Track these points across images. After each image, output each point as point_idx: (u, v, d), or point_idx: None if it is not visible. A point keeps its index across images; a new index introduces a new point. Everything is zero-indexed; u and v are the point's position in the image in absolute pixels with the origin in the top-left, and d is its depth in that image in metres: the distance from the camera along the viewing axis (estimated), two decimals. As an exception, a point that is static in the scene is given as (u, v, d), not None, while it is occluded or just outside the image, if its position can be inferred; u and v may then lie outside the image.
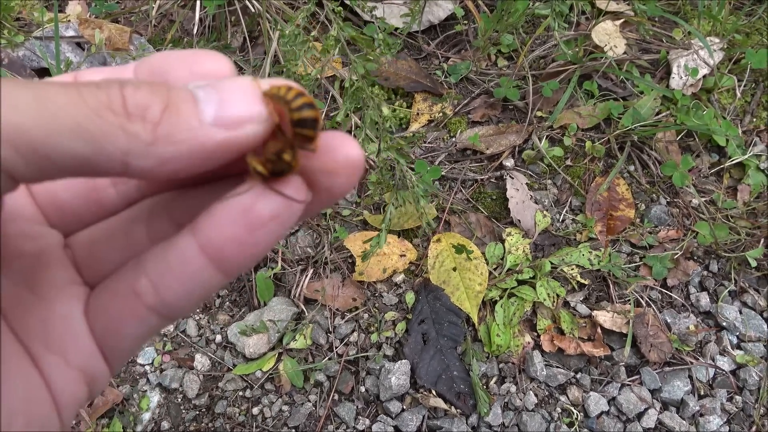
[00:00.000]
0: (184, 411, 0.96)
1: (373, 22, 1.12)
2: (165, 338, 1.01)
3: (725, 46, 1.22)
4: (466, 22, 1.28)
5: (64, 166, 0.18)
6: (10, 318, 0.24)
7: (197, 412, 0.96)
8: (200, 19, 1.15)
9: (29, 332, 0.24)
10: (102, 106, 0.19)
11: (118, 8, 1.29)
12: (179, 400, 0.97)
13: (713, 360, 0.99)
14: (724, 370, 0.98)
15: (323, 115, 1.14)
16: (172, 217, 0.26)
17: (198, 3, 1.12)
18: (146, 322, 0.24)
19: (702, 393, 0.97)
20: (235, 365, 0.98)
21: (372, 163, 1.09)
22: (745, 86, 1.20)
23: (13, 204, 0.26)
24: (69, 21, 1.21)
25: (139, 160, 0.19)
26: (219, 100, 0.20)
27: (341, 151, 0.22)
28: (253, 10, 1.11)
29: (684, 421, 0.94)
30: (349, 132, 1.11)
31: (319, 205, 0.23)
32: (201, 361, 0.98)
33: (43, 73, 1.15)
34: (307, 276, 1.02)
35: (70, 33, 1.19)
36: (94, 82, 0.19)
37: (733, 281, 1.05)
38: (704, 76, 1.19)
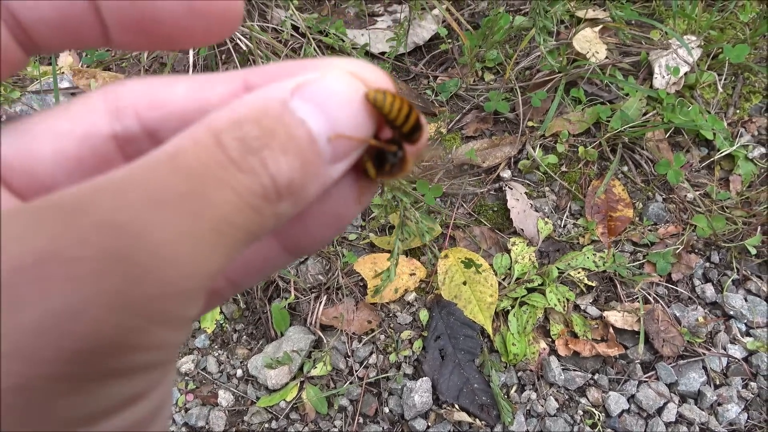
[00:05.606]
0: (211, 449, 0.97)
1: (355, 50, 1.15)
2: (187, 377, 1.02)
3: (702, 43, 1.26)
4: (450, 40, 1.32)
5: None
6: None
7: (224, 449, 0.97)
8: (193, 63, 1.18)
9: None
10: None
11: (108, 56, 1.31)
12: (205, 438, 0.97)
13: (725, 349, 1.01)
14: (736, 358, 1.00)
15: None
16: None
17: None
18: None
19: (717, 382, 0.99)
20: (258, 398, 0.99)
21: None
22: (725, 80, 1.24)
23: None
24: (63, 73, 1.23)
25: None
26: (328, 120, 0.20)
27: None
28: (244, 48, 1.14)
29: (703, 412, 0.96)
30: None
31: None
32: (224, 397, 0.99)
33: (41, 126, 1.17)
34: (321, 303, 1.04)
35: (65, 84, 1.20)
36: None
37: (735, 270, 1.08)
38: (685, 74, 1.23)
